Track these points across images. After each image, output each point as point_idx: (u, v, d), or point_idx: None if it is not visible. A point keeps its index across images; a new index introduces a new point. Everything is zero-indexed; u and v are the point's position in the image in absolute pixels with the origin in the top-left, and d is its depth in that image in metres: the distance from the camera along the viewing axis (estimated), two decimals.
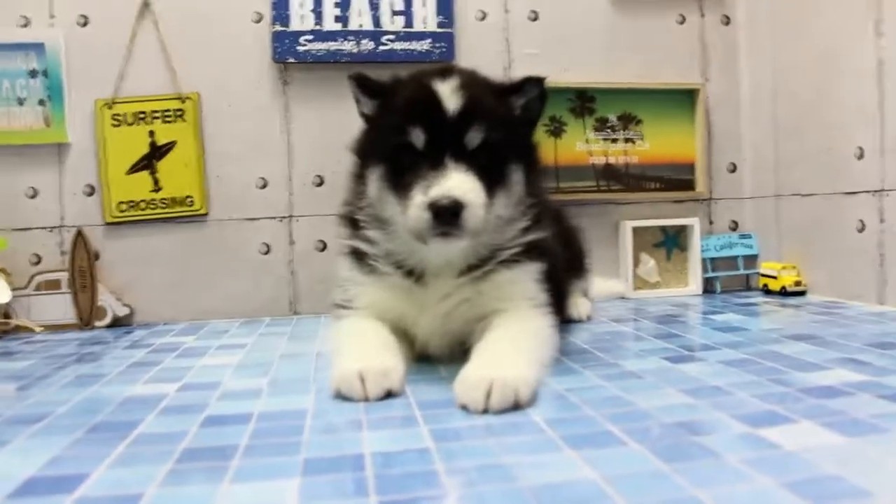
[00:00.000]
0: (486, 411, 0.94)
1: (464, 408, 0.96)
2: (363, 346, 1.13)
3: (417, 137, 1.12)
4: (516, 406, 0.95)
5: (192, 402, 1.05)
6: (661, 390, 1.03)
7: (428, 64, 1.94)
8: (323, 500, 0.67)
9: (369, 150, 1.22)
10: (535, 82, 1.25)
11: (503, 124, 1.17)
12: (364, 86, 1.25)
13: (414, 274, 1.22)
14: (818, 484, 0.66)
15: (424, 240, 1.10)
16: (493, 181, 1.14)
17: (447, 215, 1.06)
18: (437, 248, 1.13)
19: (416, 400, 1.02)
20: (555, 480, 0.70)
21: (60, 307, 1.85)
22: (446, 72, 1.19)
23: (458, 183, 1.07)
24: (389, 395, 1.04)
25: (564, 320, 1.54)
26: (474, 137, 1.12)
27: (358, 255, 1.26)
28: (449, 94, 1.13)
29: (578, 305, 1.69)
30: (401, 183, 1.13)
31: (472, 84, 1.17)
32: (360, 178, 1.24)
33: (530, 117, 1.27)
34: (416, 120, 1.12)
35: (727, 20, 2.18)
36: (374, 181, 1.18)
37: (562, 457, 0.76)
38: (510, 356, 1.03)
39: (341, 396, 1.03)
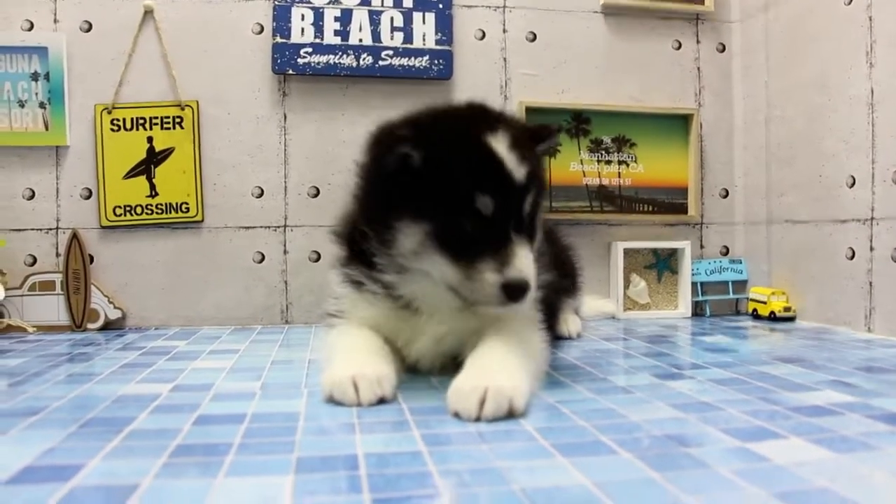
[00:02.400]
0: (478, 419, 0.94)
1: (456, 415, 0.96)
2: (356, 353, 1.13)
3: (486, 206, 1.07)
4: (510, 415, 0.95)
5: (184, 402, 1.05)
6: (651, 404, 1.04)
7: (429, 82, 1.97)
8: (317, 495, 0.68)
9: (407, 203, 1.11)
10: (556, 132, 1.28)
11: (540, 183, 1.17)
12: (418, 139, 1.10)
13: (411, 308, 1.21)
14: (808, 495, 0.67)
15: (478, 305, 1.11)
16: (532, 238, 1.14)
17: (519, 295, 1.07)
18: (486, 310, 1.13)
19: (408, 406, 1.02)
20: (546, 485, 0.70)
21: (53, 308, 1.85)
22: (492, 122, 1.14)
23: (527, 261, 1.08)
24: (381, 401, 1.04)
25: (555, 337, 1.55)
26: (529, 203, 1.13)
27: (354, 281, 1.25)
28: (510, 157, 1.09)
29: (569, 323, 1.70)
30: (459, 248, 1.09)
31: (521, 141, 1.14)
32: (385, 225, 1.14)
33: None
34: (486, 188, 1.07)
35: (722, 47, 2.21)
36: (415, 237, 1.11)
37: (553, 463, 0.77)
38: (504, 366, 1.04)
39: (333, 401, 1.04)
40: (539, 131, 1.25)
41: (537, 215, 1.16)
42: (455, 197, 1.07)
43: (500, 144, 1.10)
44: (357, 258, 1.23)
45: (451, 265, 1.09)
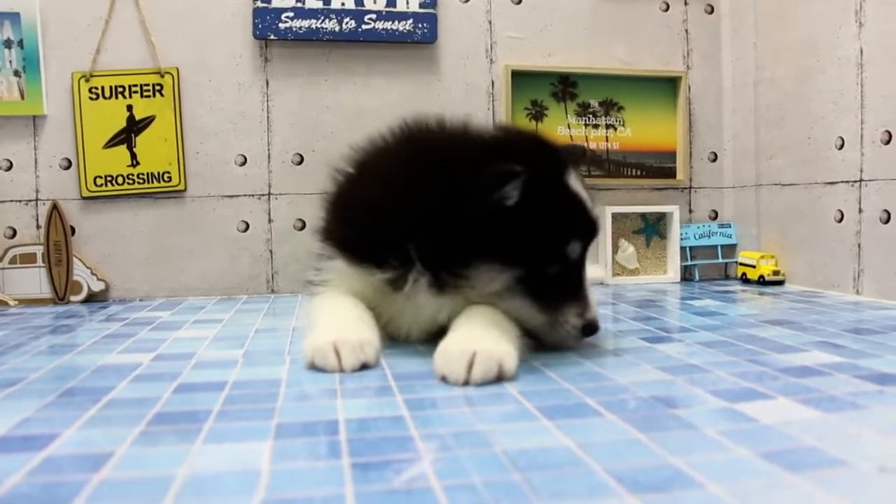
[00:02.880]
0: (466, 383, 0.93)
1: (443, 379, 0.95)
2: (338, 319, 1.11)
3: (574, 251, 1.09)
4: (499, 378, 0.94)
5: (165, 371, 1.04)
6: (638, 367, 1.03)
7: (413, 45, 1.94)
8: (296, 460, 0.66)
9: (496, 244, 1.05)
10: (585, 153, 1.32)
11: None
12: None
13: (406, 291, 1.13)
14: (795, 454, 0.66)
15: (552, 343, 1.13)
16: None
17: (593, 332, 1.12)
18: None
19: (391, 372, 1.01)
20: (530, 447, 0.69)
21: (35, 281, 1.83)
22: (562, 160, 1.13)
23: (594, 300, 1.13)
24: (364, 367, 1.03)
25: None
26: None
27: (348, 251, 1.18)
28: (587, 199, 1.12)
29: None
30: (545, 293, 1.08)
31: (579, 174, 1.16)
32: (464, 264, 1.06)
33: None
34: (578, 233, 1.10)
35: (711, 9, 2.18)
36: (502, 281, 1.07)
37: (537, 425, 0.76)
38: (491, 330, 1.02)
39: (315, 368, 1.02)
40: (574, 155, 1.24)
41: None
42: (550, 243, 1.07)
43: (578, 185, 1.11)
44: (368, 256, 1.14)
45: (535, 309, 1.09)
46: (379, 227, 1.11)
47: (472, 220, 1.02)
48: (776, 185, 2.00)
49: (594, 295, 1.13)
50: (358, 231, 1.18)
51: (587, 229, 1.11)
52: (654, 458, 0.66)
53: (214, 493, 0.60)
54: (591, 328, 1.10)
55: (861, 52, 1.70)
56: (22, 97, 1.83)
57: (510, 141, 1.17)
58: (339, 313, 1.13)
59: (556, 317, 1.09)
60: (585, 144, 2.10)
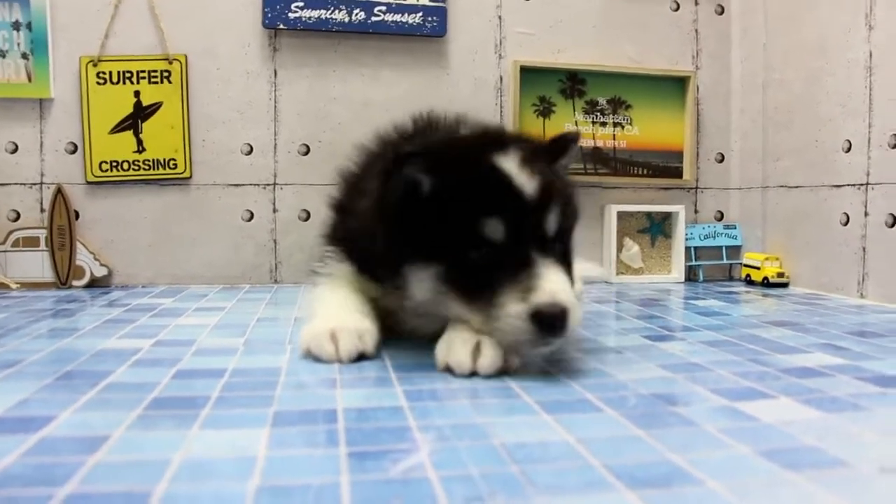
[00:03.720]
0: (473, 374, 0.92)
1: (447, 370, 0.94)
2: (337, 308, 1.10)
3: (494, 230, 0.92)
4: (505, 370, 0.93)
5: (165, 357, 1.03)
6: (640, 365, 1.02)
7: (422, 39, 1.93)
8: (293, 448, 0.66)
9: (416, 242, 0.98)
10: (574, 140, 1.12)
11: (567, 198, 1.02)
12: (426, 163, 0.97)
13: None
14: (795, 453, 0.66)
15: (516, 346, 0.94)
16: (566, 265, 0.99)
17: (556, 324, 0.89)
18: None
19: (391, 363, 1.01)
20: (528, 440, 0.69)
21: (38, 265, 1.82)
22: (502, 142, 1.00)
23: (559, 284, 0.91)
24: (362, 357, 1.02)
25: None
26: (552, 222, 0.97)
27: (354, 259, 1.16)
28: (519, 174, 0.95)
29: None
30: (474, 286, 0.94)
31: (534, 156, 1.00)
32: (395, 271, 1.01)
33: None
34: (491, 209, 0.93)
35: (721, 10, 2.17)
36: (427, 282, 0.97)
37: (536, 419, 0.75)
38: None
39: (311, 356, 1.02)
40: (557, 143, 1.10)
41: (568, 236, 1.03)
42: (462, 226, 0.93)
43: (508, 162, 0.96)
44: (366, 270, 1.13)
45: (469, 307, 0.95)
46: (369, 243, 1.07)
47: (387, 219, 0.99)
48: (783, 187, 1.99)
49: (560, 281, 0.92)
50: (358, 244, 1.15)
51: (505, 203, 0.94)
52: (653, 454, 0.65)
53: (210, 477, 0.59)
54: (545, 317, 0.89)
55: (870, 55, 1.69)
56: (29, 80, 1.83)
57: (447, 137, 1.13)
58: (338, 303, 1.12)
59: (490, 310, 0.92)
60: (593, 142, 2.09)
